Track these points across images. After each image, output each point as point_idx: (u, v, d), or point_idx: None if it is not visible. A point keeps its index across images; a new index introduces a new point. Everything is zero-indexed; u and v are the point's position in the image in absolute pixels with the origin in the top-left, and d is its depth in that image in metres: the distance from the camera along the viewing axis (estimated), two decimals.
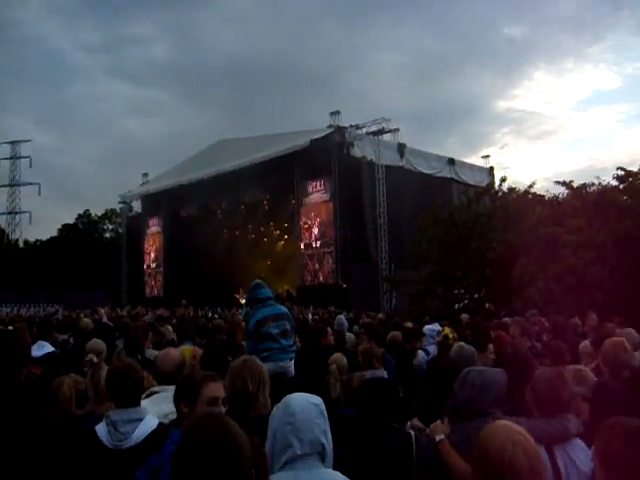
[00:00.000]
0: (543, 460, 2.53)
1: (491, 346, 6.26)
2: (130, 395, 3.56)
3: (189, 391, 3.15)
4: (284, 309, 7.08)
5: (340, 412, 4.72)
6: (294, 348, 6.75)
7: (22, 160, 74.44)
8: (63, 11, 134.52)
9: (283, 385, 3.99)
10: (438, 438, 3.51)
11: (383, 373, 6.03)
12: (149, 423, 3.52)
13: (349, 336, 9.56)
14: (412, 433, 3.81)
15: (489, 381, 3.64)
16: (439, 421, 3.64)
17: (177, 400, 3.23)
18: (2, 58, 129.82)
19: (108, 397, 3.85)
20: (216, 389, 3.20)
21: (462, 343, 7.22)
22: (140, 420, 3.50)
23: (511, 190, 22.41)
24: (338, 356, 6.46)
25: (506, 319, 10.05)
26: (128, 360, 4.38)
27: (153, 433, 3.47)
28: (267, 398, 3.72)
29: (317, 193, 35.09)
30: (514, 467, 2.26)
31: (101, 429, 3.47)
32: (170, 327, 9.90)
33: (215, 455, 1.81)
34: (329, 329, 8.85)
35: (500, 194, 22.49)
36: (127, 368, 3.73)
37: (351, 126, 33.89)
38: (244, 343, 6.65)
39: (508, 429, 2.42)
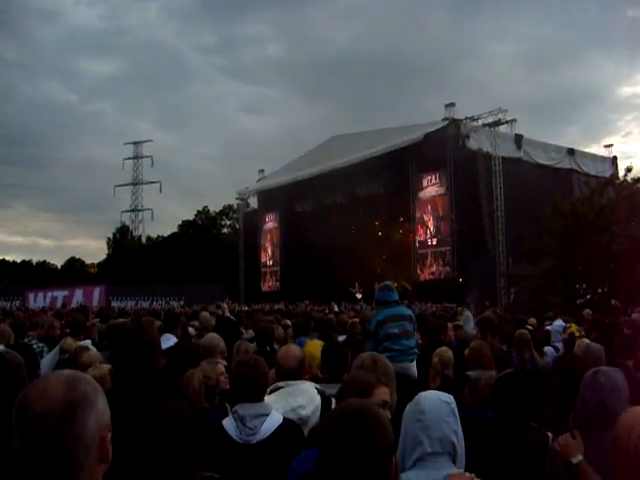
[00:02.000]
0: None
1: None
2: (254, 389, 3.58)
3: (360, 392, 3.07)
4: (407, 310, 7.08)
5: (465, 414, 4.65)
6: (415, 350, 6.71)
7: (144, 160, 77.93)
8: (180, 14, 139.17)
9: (405, 386, 3.95)
10: (575, 460, 3.20)
11: (493, 374, 5.88)
12: (275, 418, 3.54)
13: (470, 332, 9.43)
14: (549, 435, 3.63)
15: (620, 382, 3.39)
16: (569, 435, 3.33)
17: (343, 395, 3.03)
18: (123, 63, 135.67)
19: (233, 389, 3.92)
20: (386, 393, 3.16)
21: (587, 341, 6.99)
22: (266, 415, 3.51)
23: (636, 180, 21.46)
24: (442, 349, 6.38)
25: (636, 315, 9.64)
26: (253, 355, 4.47)
27: (280, 428, 3.49)
28: (395, 398, 3.70)
29: (432, 187, 34.77)
30: None
31: (229, 424, 3.50)
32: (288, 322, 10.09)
33: (360, 439, 1.84)
34: (449, 324, 8.75)
35: (625, 184, 21.58)
36: (254, 362, 3.74)
37: (466, 118, 33.36)
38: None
39: None
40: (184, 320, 10.94)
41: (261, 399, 3.61)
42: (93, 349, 6.49)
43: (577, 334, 8.22)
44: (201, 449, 2.82)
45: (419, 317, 8.96)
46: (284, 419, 3.59)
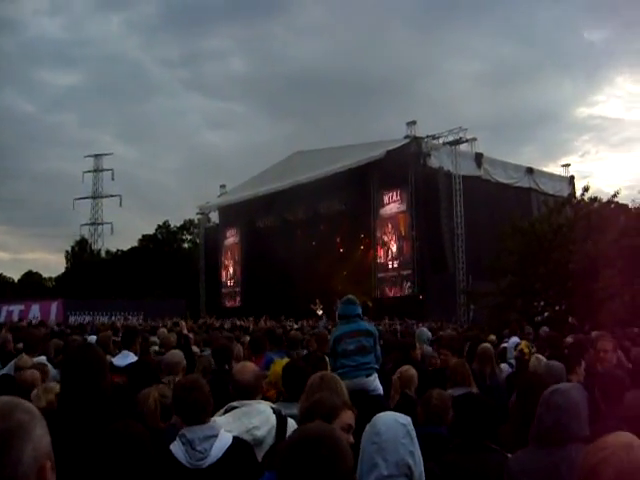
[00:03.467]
0: None
1: (581, 365, 5.94)
2: (198, 411, 3.47)
3: (325, 415, 2.99)
4: (366, 325, 7.07)
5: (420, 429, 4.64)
6: (372, 365, 6.69)
7: (104, 173, 77.02)
8: (143, 28, 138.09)
9: (364, 402, 3.93)
10: None
11: (475, 390, 5.88)
12: (225, 439, 3.45)
13: (427, 350, 9.43)
14: (509, 456, 3.61)
15: (575, 402, 3.37)
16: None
17: (310, 415, 3.02)
18: (85, 75, 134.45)
19: (176, 414, 3.83)
20: (351, 417, 3.11)
21: (541, 357, 7.05)
22: (215, 436, 3.41)
23: (593, 200, 21.75)
24: (404, 368, 6.38)
25: (594, 333, 9.74)
26: (192, 376, 4.40)
27: (230, 448, 3.41)
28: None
29: (393, 204, 34.99)
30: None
31: (177, 448, 3.38)
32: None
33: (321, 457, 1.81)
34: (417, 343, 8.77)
35: (582, 204, 21.89)
36: (192, 384, 3.65)
37: (428, 136, 33.72)
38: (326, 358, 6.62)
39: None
40: (146, 336, 10.82)
41: (206, 420, 3.49)
42: (47, 365, 6.37)
43: (526, 350, 8.27)
44: (151, 471, 2.73)
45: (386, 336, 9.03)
46: (233, 438, 3.50)
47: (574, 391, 3.51)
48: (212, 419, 3.68)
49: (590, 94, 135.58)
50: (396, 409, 4.51)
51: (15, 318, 33.88)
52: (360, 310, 7.14)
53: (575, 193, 26.45)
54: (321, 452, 1.81)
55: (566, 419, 3.26)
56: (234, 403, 4.01)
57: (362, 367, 6.55)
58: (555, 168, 53.84)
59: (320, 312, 33.41)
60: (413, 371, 6.27)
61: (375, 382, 6.56)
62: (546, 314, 19.67)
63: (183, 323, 11.14)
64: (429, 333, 11.59)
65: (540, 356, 7.11)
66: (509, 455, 3.61)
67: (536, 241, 19.87)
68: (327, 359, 6.40)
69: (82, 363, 3.38)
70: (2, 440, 1.40)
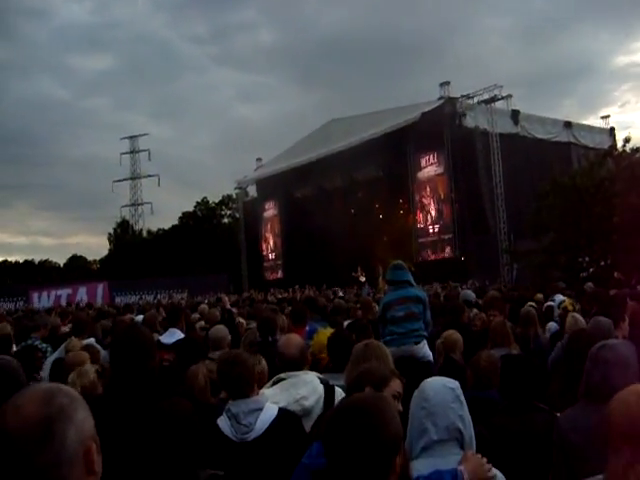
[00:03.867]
0: None
1: (625, 321, 5.84)
2: (241, 385, 3.52)
3: (375, 384, 2.98)
4: (416, 291, 7.04)
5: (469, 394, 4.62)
6: (420, 332, 6.67)
7: (141, 154, 77.83)
8: (169, 5, 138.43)
9: (412, 369, 3.93)
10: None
11: (516, 350, 5.84)
12: (270, 412, 3.49)
13: (475, 312, 9.38)
14: (558, 415, 3.59)
15: (624, 356, 3.32)
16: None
17: (359, 385, 3.01)
18: (116, 57, 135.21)
19: (221, 388, 3.88)
20: (399, 385, 3.13)
21: (577, 315, 6.96)
22: (260, 410, 3.46)
23: (636, 150, 21.33)
24: (447, 332, 6.36)
25: None
26: (234, 351, 4.43)
27: (276, 421, 3.45)
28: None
29: (431, 167, 34.68)
30: None
31: (223, 423, 3.44)
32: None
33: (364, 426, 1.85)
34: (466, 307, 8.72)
35: (624, 155, 21.45)
36: (234, 358, 3.69)
37: (462, 96, 33.20)
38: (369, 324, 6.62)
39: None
40: (188, 312, 10.94)
41: (250, 394, 3.54)
42: (97, 347, 6.48)
43: (570, 308, 8.17)
44: (202, 447, 2.77)
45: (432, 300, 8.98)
46: (279, 410, 3.55)
47: (622, 346, 3.47)
48: (260, 391, 3.73)
49: (628, 42, 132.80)
50: (440, 373, 4.51)
51: (63, 302, 34.59)
52: (409, 275, 7.10)
53: (616, 145, 25.99)
54: (365, 419, 1.85)
55: (615, 374, 3.20)
56: (281, 375, 4.05)
57: (411, 334, 6.54)
58: (595, 120, 52.91)
59: (362, 279, 33.38)
60: (457, 335, 6.25)
61: (424, 349, 6.54)
62: (591, 270, 19.45)
63: (225, 298, 11.27)
64: (473, 295, 11.54)
65: (577, 315, 7.02)
66: (557, 414, 3.59)
67: (577, 196, 19.59)
68: (371, 326, 6.40)
69: (130, 344, 3.42)
70: (45, 426, 1.43)
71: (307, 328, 7.16)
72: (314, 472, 2.76)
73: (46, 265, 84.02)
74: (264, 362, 4.45)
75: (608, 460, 2.09)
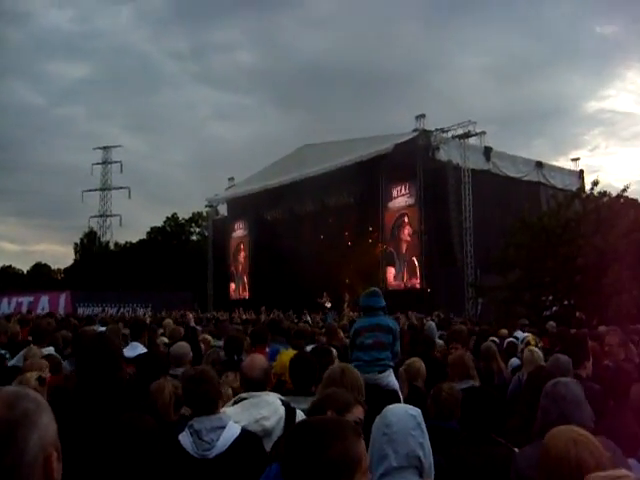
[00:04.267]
0: (609, 458, 2.47)
1: (589, 360, 5.90)
2: (206, 402, 3.52)
3: (340, 406, 3.02)
4: (385, 320, 7.03)
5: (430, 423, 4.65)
6: (387, 362, 6.66)
7: (113, 165, 77.29)
8: (152, 20, 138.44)
9: (377, 397, 3.94)
10: None
11: (477, 383, 5.88)
12: (232, 430, 3.49)
13: (439, 343, 9.47)
14: (516, 450, 3.61)
15: (578, 394, 3.40)
16: None
17: (322, 408, 3.06)
18: (94, 67, 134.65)
19: (185, 404, 3.87)
20: (361, 412, 3.13)
21: (535, 349, 7.08)
22: (223, 428, 3.46)
23: (603, 194, 21.67)
24: (411, 360, 6.41)
25: (601, 328, 9.74)
26: (200, 368, 4.42)
27: (238, 439, 3.45)
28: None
29: (402, 197, 34.91)
30: (580, 467, 2.27)
31: (185, 438, 3.43)
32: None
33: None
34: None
35: (591, 198, 21.80)
36: (200, 375, 3.69)
37: (436, 130, 33.61)
38: (333, 350, 6.64)
39: (571, 430, 2.47)
40: (154, 327, 10.87)
41: (214, 411, 3.54)
42: (57, 356, 6.41)
43: (532, 343, 8.30)
44: (158, 462, 2.75)
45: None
46: (242, 430, 3.54)
47: (574, 384, 3.53)
48: (222, 410, 3.72)
49: (600, 88, 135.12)
50: (405, 402, 4.53)
51: (24, 309, 34.05)
52: (383, 303, 7.10)
53: (584, 187, 26.42)
54: (314, 438, 1.82)
55: (571, 411, 3.27)
56: (243, 394, 4.05)
57: (376, 362, 6.53)
58: (565, 162, 53.73)
59: (328, 305, 33.38)
60: (420, 363, 6.30)
61: (388, 378, 6.54)
62: (554, 308, 19.65)
63: (190, 315, 11.19)
64: (435, 328, 11.66)
65: (535, 349, 7.14)
66: (515, 449, 3.61)
67: (544, 235, 19.85)
68: (334, 351, 6.42)
69: (99, 353, 3.41)
70: (8, 429, 1.42)
71: (268, 349, 7.18)
72: None
73: (9, 271, 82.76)
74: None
75: None
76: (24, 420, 1.45)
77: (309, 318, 22.52)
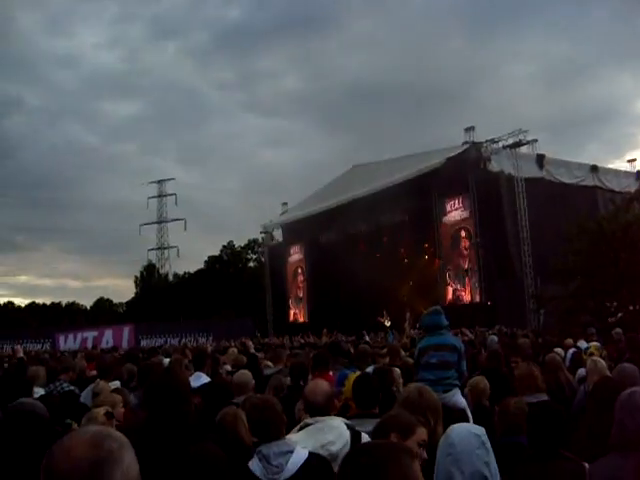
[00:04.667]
0: None
1: None
2: (271, 429, 3.56)
3: (401, 431, 3.02)
4: (452, 339, 7.02)
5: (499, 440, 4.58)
6: (452, 381, 6.61)
7: (168, 198, 78.65)
8: (196, 53, 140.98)
9: (445, 417, 3.91)
10: None
11: (544, 397, 5.79)
12: (301, 454, 3.51)
13: None
14: (586, 465, 3.53)
15: None
16: None
17: (385, 431, 3.09)
18: (144, 103, 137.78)
19: (252, 433, 3.91)
20: (425, 433, 3.14)
21: (597, 358, 6.92)
22: (291, 452, 3.49)
23: None
24: (476, 379, 6.34)
25: None
26: (262, 396, 4.45)
27: (307, 463, 3.47)
28: (440, 431, 3.66)
29: (456, 211, 34.70)
30: None
31: (254, 464, 3.47)
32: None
33: None
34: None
35: None
36: (263, 403, 3.75)
37: (487, 141, 33.31)
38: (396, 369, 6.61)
39: None
40: (217, 357, 10.97)
41: (280, 437, 3.58)
42: (124, 390, 6.51)
43: (596, 353, 8.15)
44: None
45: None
46: (310, 454, 3.56)
47: None
48: (287, 437, 3.75)
49: None
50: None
51: (89, 344, 34.76)
52: (446, 321, 7.07)
53: None
54: (369, 463, 1.83)
55: None
56: (308, 420, 4.06)
57: (441, 382, 6.46)
58: (621, 164, 52.58)
59: (388, 324, 33.23)
60: (485, 382, 6.23)
61: (455, 397, 6.45)
62: (619, 315, 19.22)
63: (250, 342, 11.28)
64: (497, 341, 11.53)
65: (598, 358, 6.99)
66: (585, 464, 3.53)
67: (604, 240, 19.48)
68: (397, 370, 6.39)
69: (166, 387, 3.46)
70: (94, 468, 1.47)
71: (333, 373, 7.16)
72: None
73: (73, 308, 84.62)
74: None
75: None
76: (109, 459, 1.50)
77: (367, 338, 22.37)
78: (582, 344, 10.46)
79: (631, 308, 19.14)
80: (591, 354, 8.13)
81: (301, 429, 4.02)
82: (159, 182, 79.23)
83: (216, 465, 2.79)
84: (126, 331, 43.04)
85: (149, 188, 79.88)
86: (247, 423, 3.92)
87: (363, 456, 1.88)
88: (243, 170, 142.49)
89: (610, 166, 41.10)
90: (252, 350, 10.02)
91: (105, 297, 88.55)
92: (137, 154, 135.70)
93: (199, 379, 6.94)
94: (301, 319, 47.08)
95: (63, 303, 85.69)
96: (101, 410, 4.48)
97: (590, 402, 4.22)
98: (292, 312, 48.64)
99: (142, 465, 1.63)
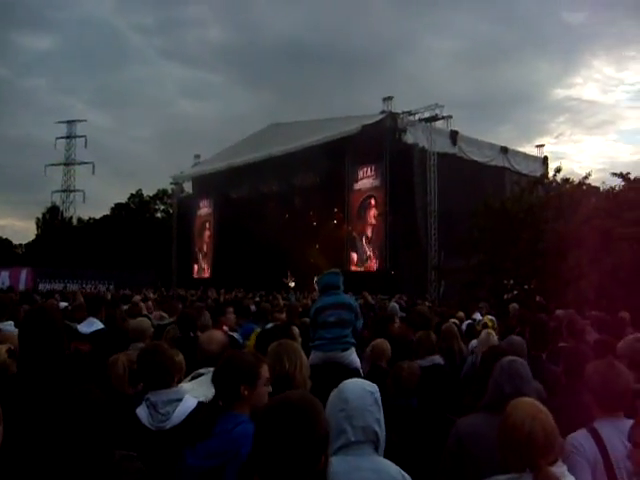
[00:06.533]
0: (558, 436, 2.69)
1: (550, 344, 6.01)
2: (161, 375, 3.56)
3: (249, 373, 3.07)
4: (347, 299, 7.08)
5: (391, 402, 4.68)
6: (349, 339, 6.67)
7: (77, 140, 75.99)
8: None
9: (339, 375, 3.95)
10: None
11: (438, 360, 5.94)
12: (188, 403, 3.53)
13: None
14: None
15: (530, 374, 3.58)
16: None
17: (235, 382, 3.07)
18: (59, 40, 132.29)
19: (140, 379, 3.87)
20: (267, 370, 3.19)
21: (490, 331, 7.20)
22: (179, 400, 3.50)
23: (565, 181, 21.92)
24: (378, 341, 6.46)
25: (559, 312, 9.89)
26: (156, 342, 4.42)
27: (193, 412, 3.47)
28: (305, 377, 3.73)
29: (368, 179, 35.00)
30: (531, 439, 2.53)
31: (141, 411, 3.48)
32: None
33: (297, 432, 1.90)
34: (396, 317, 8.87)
35: (554, 184, 22.05)
36: (155, 348, 3.74)
37: (404, 112, 33.68)
38: (295, 327, 6.62)
39: (531, 404, 2.70)
40: (117, 303, 10.76)
41: (170, 385, 3.57)
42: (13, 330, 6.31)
43: (490, 324, 8.44)
44: (109, 433, 2.70)
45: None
46: (198, 403, 3.56)
47: (525, 364, 3.67)
48: (179, 385, 3.72)
49: (567, 76, 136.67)
50: (366, 378, 4.56)
51: None
52: (338, 282, 7.12)
53: (548, 174, 26.65)
54: (301, 417, 1.93)
55: (526, 389, 3.41)
56: (201, 370, 4.04)
57: (339, 340, 6.55)
58: (530, 148, 54.22)
59: (292, 285, 33.42)
60: (386, 344, 6.34)
61: (351, 356, 6.55)
62: (515, 292, 19.89)
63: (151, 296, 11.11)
64: (398, 309, 11.75)
65: (491, 331, 7.25)
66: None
67: (507, 220, 20.06)
68: (295, 329, 6.41)
69: (38, 325, 3.37)
70: None
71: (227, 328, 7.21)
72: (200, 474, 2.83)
73: None
74: (181, 355, 4.41)
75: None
76: None
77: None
78: (477, 316, 10.80)
79: (526, 287, 19.80)
80: (485, 326, 8.38)
81: (193, 378, 4.00)
82: (69, 122, 76.45)
83: (97, 406, 2.70)
84: (24, 273, 41.76)
85: (58, 128, 77.11)
86: (138, 368, 3.84)
87: (293, 411, 1.95)
88: (159, 119, 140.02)
89: (520, 149, 42.28)
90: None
91: (3, 237, 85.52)
92: (48, 91, 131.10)
93: (91, 325, 6.76)
94: (205, 274, 46.76)
95: None
96: (3, 347, 4.31)
97: (479, 369, 4.37)
98: (197, 267, 48.26)
99: (13, 402, 1.57)
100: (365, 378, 5.48)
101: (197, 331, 6.47)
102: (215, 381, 3.16)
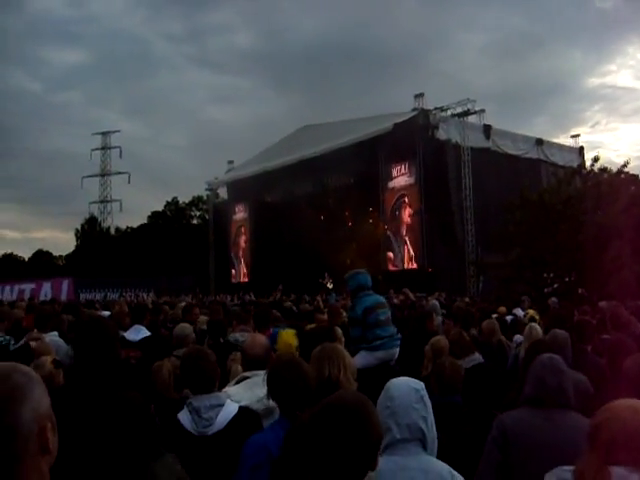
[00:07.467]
0: None
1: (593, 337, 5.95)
2: (203, 380, 3.57)
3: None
4: (382, 298, 7.12)
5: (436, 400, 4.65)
6: (399, 335, 6.75)
7: (112, 150, 76.88)
8: (147, 2, 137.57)
9: (387, 373, 3.96)
10: None
11: (478, 359, 5.90)
12: (230, 408, 3.54)
13: (438, 320, 9.50)
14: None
15: (570, 372, 3.55)
16: None
17: None
18: (90, 52, 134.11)
19: (183, 384, 3.90)
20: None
21: (535, 325, 7.10)
22: (221, 406, 3.51)
23: (603, 170, 21.64)
24: (436, 338, 6.42)
25: (602, 303, 9.76)
26: (198, 347, 4.45)
27: (236, 417, 3.50)
28: (350, 379, 3.70)
29: (402, 177, 34.80)
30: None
31: (184, 416, 3.49)
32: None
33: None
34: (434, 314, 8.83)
35: (591, 174, 21.76)
36: (197, 353, 3.75)
37: (436, 108, 33.49)
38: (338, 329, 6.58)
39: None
40: (158, 310, 10.88)
41: (212, 390, 3.59)
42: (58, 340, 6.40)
43: (536, 317, 8.36)
44: (156, 439, 2.74)
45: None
46: (240, 408, 3.59)
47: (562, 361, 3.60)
48: (223, 389, 3.75)
49: (601, 64, 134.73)
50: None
51: (26, 297, 34.05)
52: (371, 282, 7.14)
53: (585, 164, 26.39)
54: (356, 419, 1.95)
55: (567, 385, 3.39)
56: (246, 373, 4.05)
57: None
58: (565, 139, 53.40)
59: (330, 286, 33.36)
60: (445, 341, 6.30)
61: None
62: (555, 285, 19.67)
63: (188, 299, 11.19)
64: (437, 305, 11.68)
65: (534, 324, 7.15)
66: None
67: (545, 212, 19.84)
68: (338, 330, 6.39)
69: (93, 334, 3.41)
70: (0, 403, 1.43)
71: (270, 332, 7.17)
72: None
73: (10, 259, 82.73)
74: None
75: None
76: (16, 393, 1.46)
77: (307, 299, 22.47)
78: (518, 312, 10.68)
79: (566, 279, 19.59)
80: (531, 318, 8.30)
81: (238, 382, 4.02)
82: (103, 134, 77.36)
83: (137, 412, 2.74)
84: (65, 284, 42.36)
85: (93, 139, 78.09)
86: (181, 374, 3.88)
87: (348, 415, 1.97)
88: (190, 125, 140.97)
89: (555, 140, 41.81)
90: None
91: (44, 249, 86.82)
92: (81, 104, 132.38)
93: (139, 332, 6.86)
94: (243, 278, 46.95)
95: (0, 254, 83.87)
96: (48, 358, 4.38)
97: (523, 364, 4.33)
98: (234, 271, 48.47)
99: (67, 411, 1.59)
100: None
101: (227, 336, 6.52)
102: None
